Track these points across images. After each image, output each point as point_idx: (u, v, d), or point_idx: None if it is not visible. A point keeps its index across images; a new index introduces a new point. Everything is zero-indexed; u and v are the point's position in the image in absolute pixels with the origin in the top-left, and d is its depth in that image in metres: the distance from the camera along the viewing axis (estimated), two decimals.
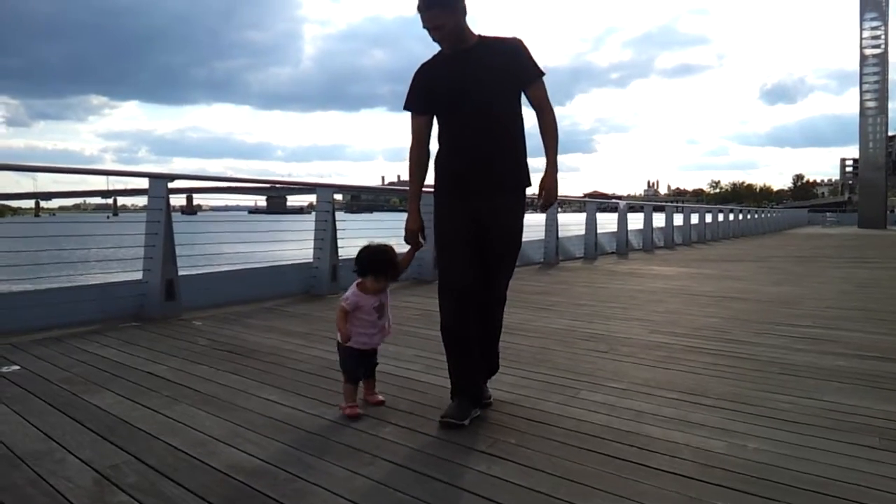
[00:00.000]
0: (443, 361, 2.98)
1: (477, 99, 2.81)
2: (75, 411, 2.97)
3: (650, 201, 25.82)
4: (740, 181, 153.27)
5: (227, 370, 3.72)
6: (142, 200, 5.85)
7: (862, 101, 44.29)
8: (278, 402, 3.13)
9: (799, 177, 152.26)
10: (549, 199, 2.88)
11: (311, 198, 7.47)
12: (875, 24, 43.32)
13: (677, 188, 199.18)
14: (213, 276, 6.57)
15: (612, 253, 14.09)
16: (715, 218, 22.97)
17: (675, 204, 22.91)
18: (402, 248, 3.07)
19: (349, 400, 2.95)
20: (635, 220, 15.99)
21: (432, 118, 2.97)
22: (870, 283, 8.62)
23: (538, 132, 2.94)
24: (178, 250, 5.67)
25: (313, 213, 7.35)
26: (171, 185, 5.73)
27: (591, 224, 13.01)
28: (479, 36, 2.90)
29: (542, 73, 2.92)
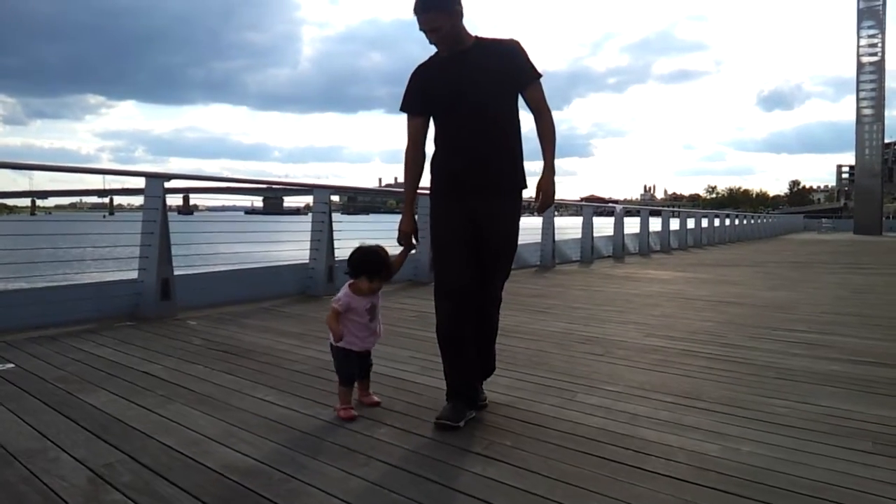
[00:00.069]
0: (438, 363, 2.98)
1: (473, 100, 2.81)
2: (70, 410, 2.96)
3: (647, 206, 25.87)
4: (737, 187, 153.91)
5: (222, 370, 3.71)
6: (138, 200, 5.83)
7: (858, 109, 44.47)
8: (273, 402, 3.12)
9: (795, 183, 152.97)
10: (546, 202, 2.88)
11: (308, 199, 7.47)
12: (872, 32, 43.53)
13: (674, 193, 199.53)
14: (209, 276, 6.56)
15: (609, 257, 14.11)
16: (711, 223, 23.04)
17: (671, 208, 22.95)
18: (396, 249, 3.06)
19: (344, 402, 2.94)
20: (632, 225, 16.02)
21: (428, 120, 2.97)
22: (865, 288, 8.65)
23: (535, 136, 2.94)
24: (173, 250, 5.66)
25: (310, 215, 7.35)
26: (167, 184, 5.72)
27: (588, 228, 13.02)
28: (476, 37, 2.90)
29: (540, 75, 2.91)
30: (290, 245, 7.51)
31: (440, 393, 2.97)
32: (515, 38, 2.93)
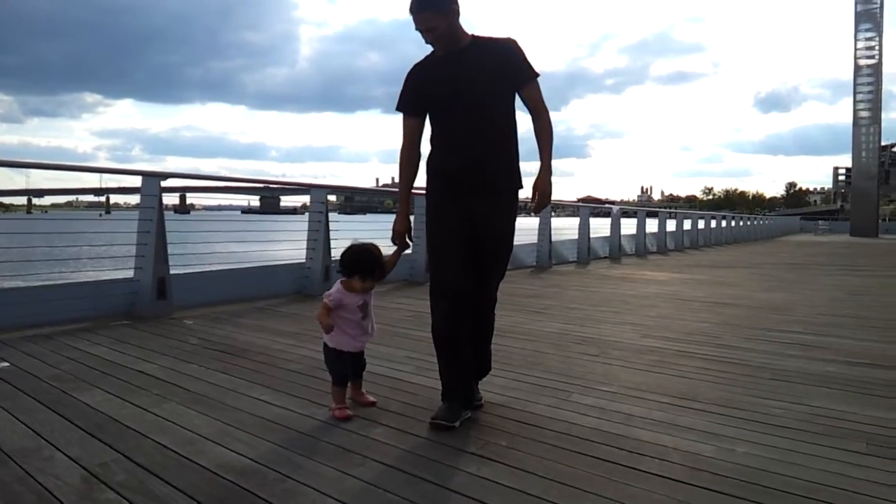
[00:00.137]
0: (434, 363, 2.98)
1: (470, 99, 2.80)
2: (64, 409, 2.96)
3: (643, 207, 25.89)
4: (733, 188, 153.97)
5: (218, 369, 3.71)
6: (134, 199, 5.83)
7: (855, 111, 44.61)
8: (268, 401, 3.12)
9: (792, 185, 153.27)
10: (543, 202, 2.87)
11: (305, 198, 7.46)
12: (869, 34, 43.66)
13: (671, 194, 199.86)
14: (205, 275, 6.55)
15: (605, 258, 14.11)
16: (708, 224, 23.05)
17: (668, 210, 22.98)
18: (391, 249, 3.06)
19: (339, 402, 2.93)
20: (628, 226, 16.03)
21: (424, 119, 2.96)
22: (861, 290, 8.67)
23: (532, 136, 2.93)
24: (170, 249, 5.65)
25: (307, 214, 7.34)
26: (164, 183, 5.71)
27: (585, 228, 13.03)
28: (473, 36, 2.89)
29: (537, 74, 2.91)
30: (287, 245, 7.50)
31: (436, 393, 2.97)
32: (513, 37, 2.93)
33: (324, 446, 2.57)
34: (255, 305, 6.04)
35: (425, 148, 2.99)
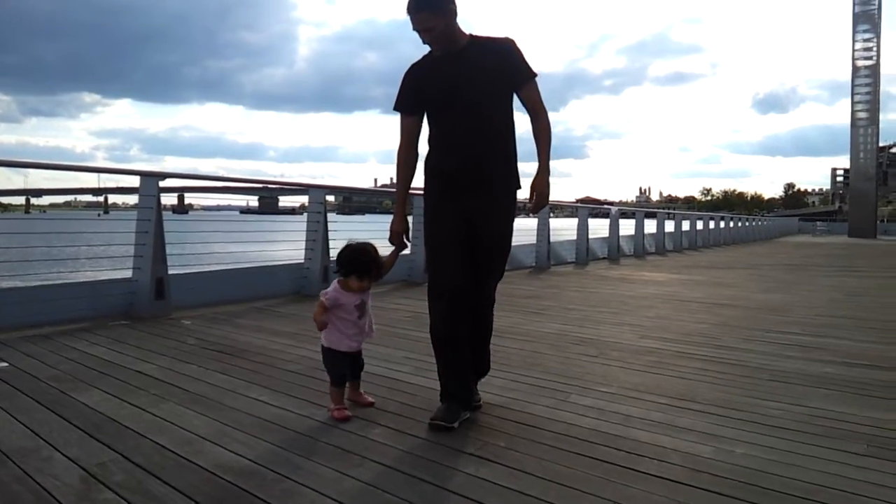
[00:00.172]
0: (432, 364, 2.98)
1: (468, 99, 2.80)
2: (63, 409, 2.96)
3: (642, 208, 25.91)
4: (732, 189, 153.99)
5: (216, 369, 3.70)
6: (133, 199, 5.82)
7: (853, 112, 44.68)
8: (267, 402, 3.12)
9: (790, 185, 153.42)
10: (541, 202, 2.87)
11: (304, 199, 7.46)
12: (867, 36, 43.74)
13: (669, 195, 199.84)
14: (204, 275, 6.55)
15: (604, 258, 14.12)
16: (706, 225, 23.07)
17: (666, 210, 23.00)
18: (388, 249, 3.05)
19: (337, 402, 2.93)
20: (627, 227, 16.04)
21: (422, 119, 2.95)
22: (859, 291, 8.68)
23: (530, 136, 2.93)
24: (168, 249, 5.65)
25: (305, 214, 7.34)
26: (162, 183, 5.71)
27: (583, 229, 13.04)
28: (471, 35, 2.88)
29: (535, 75, 2.90)
30: (285, 245, 7.50)
31: (434, 394, 2.97)
32: (511, 37, 2.93)
33: (322, 447, 2.57)
34: (253, 306, 6.04)
35: (423, 148, 2.99)
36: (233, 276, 6.79)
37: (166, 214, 5.85)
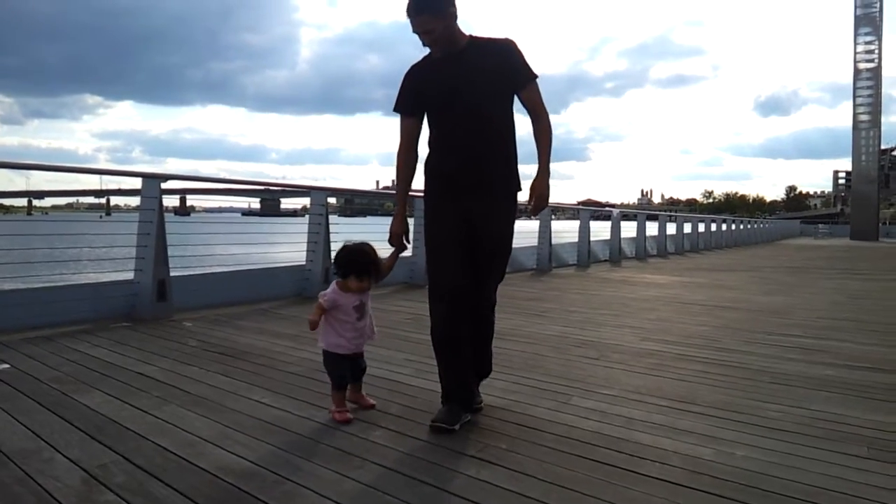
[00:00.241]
0: (433, 366, 2.98)
1: (468, 100, 2.79)
2: (64, 410, 2.96)
3: (643, 210, 25.88)
4: (733, 191, 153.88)
5: (218, 371, 3.71)
6: (135, 201, 5.83)
7: (855, 115, 44.62)
8: (268, 404, 3.12)
9: (792, 188, 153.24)
10: (540, 203, 2.85)
11: (305, 201, 7.46)
12: (869, 38, 43.70)
13: (671, 197, 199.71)
14: (205, 277, 6.54)
15: (605, 261, 14.11)
16: (708, 228, 23.06)
17: (668, 213, 22.98)
18: (388, 251, 3.04)
19: (338, 405, 2.92)
20: (628, 229, 16.04)
21: (422, 120, 2.95)
22: (861, 294, 8.67)
23: (531, 138, 2.92)
24: (170, 251, 5.66)
25: (307, 216, 7.34)
26: (164, 185, 5.72)
27: (585, 232, 13.04)
28: (471, 36, 2.88)
29: (535, 76, 2.89)
30: (287, 247, 7.50)
31: (435, 396, 2.97)
32: (511, 38, 2.92)
33: (323, 449, 2.57)
34: (255, 308, 6.04)
35: (423, 150, 2.99)
36: (234, 278, 6.79)
37: (168, 216, 5.86)
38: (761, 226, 36.11)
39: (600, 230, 14.62)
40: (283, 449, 2.55)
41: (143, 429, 2.73)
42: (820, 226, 55.44)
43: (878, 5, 43.13)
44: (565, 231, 13.76)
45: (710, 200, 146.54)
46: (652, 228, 17.72)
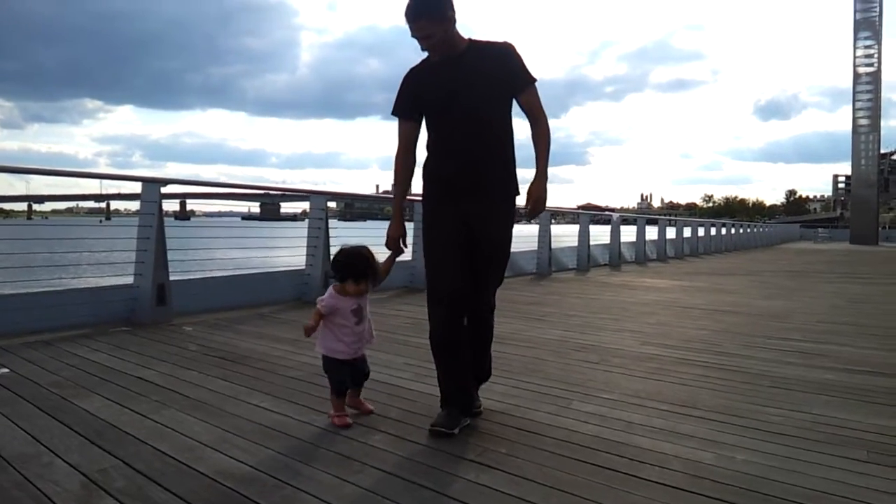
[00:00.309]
0: (433, 370, 2.97)
1: (467, 103, 2.79)
2: (64, 415, 2.96)
3: (643, 214, 25.91)
4: (733, 196, 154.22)
5: (217, 376, 3.70)
6: (135, 205, 5.84)
7: (855, 119, 44.71)
8: (268, 408, 3.12)
9: (791, 192, 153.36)
10: (537, 207, 2.83)
11: (305, 205, 7.47)
12: (868, 42, 43.80)
13: (670, 202, 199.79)
14: (205, 281, 6.54)
15: (605, 265, 14.12)
16: (707, 232, 23.06)
17: (667, 217, 23.00)
18: (385, 255, 3.04)
19: (337, 409, 2.91)
20: (628, 233, 16.04)
21: (420, 124, 2.95)
22: (861, 298, 8.67)
23: (530, 143, 2.92)
24: (170, 255, 5.66)
25: (307, 221, 7.35)
26: (164, 189, 5.72)
27: (584, 236, 13.04)
28: (470, 40, 2.87)
29: (534, 80, 2.89)
30: (287, 251, 7.50)
31: (435, 400, 2.96)
32: (510, 42, 2.92)
33: (323, 453, 2.57)
34: (254, 312, 6.05)
35: (421, 154, 2.99)
36: (234, 282, 6.78)
37: (168, 220, 5.86)
38: (761, 230, 36.15)
39: (600, 234, 14.64)
40: (283, 453, 2.55)
41: (143, 433, 2.73)
42: (820, 230, 55.39)
43: (877, 9, 43.26)
44: (565, 235, 13.77)
45: (710, 204, 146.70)
46: (652, 233, 17.73)
